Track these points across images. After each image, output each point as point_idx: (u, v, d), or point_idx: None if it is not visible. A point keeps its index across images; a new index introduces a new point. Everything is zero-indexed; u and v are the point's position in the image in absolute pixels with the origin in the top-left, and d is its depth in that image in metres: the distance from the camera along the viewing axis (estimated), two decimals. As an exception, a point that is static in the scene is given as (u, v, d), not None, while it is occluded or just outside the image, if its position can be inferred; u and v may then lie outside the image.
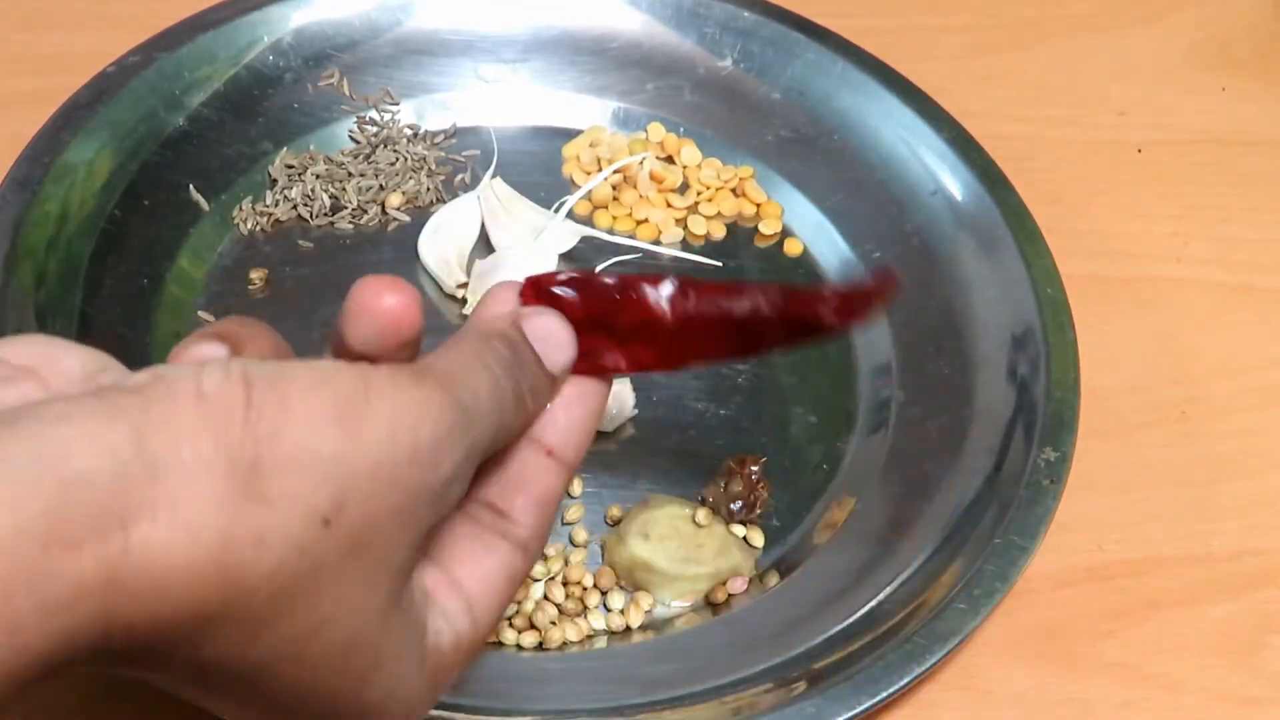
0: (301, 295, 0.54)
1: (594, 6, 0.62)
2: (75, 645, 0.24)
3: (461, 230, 0.57)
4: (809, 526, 0.50)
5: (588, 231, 0.57)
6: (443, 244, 0.56)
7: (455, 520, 0.32)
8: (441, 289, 0.55)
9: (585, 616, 0.47)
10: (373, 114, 0.60)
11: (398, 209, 0.58)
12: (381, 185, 0.58)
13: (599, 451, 0.51)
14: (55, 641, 0.24)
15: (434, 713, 0.41)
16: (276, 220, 0.56)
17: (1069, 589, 0.50)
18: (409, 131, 0.60)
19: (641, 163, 0.60)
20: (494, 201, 0.57)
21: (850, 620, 0.45)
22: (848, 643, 0.44)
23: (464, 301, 0.55)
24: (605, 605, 0.47)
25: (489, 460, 0.32)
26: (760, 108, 0.61)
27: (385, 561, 0.28)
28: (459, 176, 0.59)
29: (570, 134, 0.61)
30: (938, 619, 0.43)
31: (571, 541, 0.49)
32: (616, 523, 0.49)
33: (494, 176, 0.58)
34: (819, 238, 0.58)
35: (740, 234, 0.59)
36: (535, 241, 0.56)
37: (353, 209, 0.57)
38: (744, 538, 0.49)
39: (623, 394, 0.52)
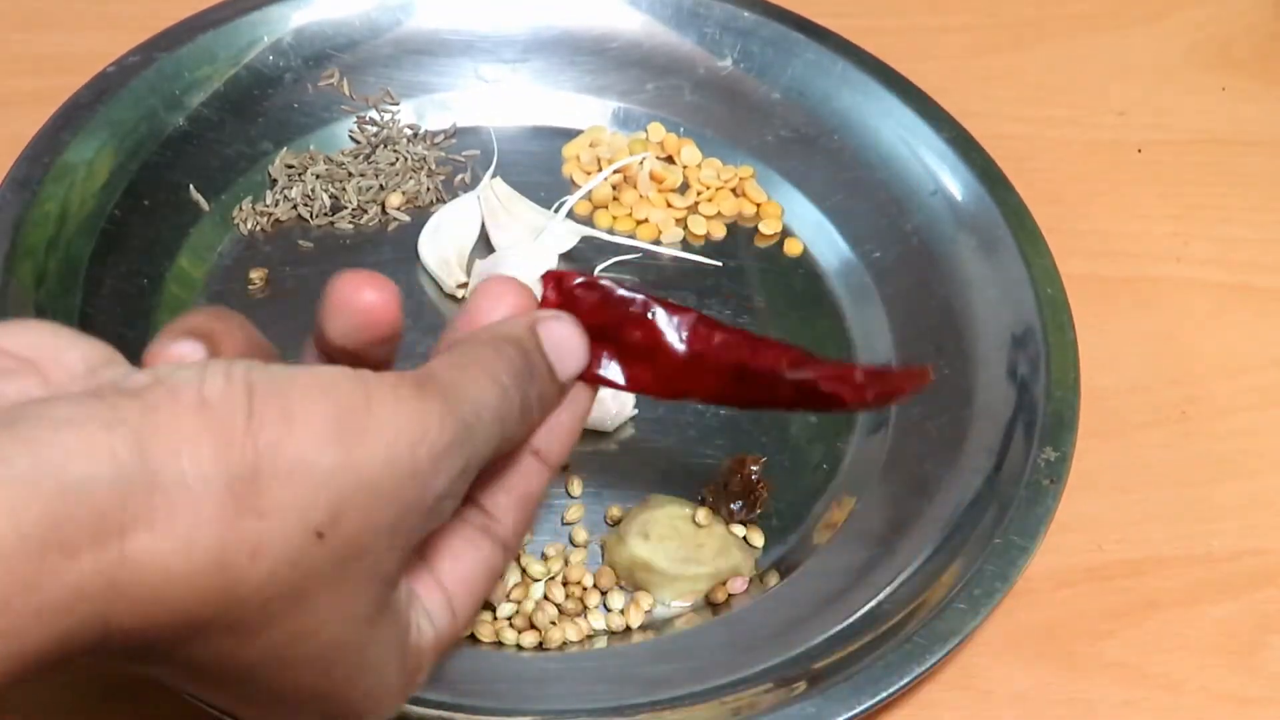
0: (301, 295, 0.54)
1: (594, 6, 0.62)
2: (71, 646, 0.24)
3: (461, 230, 0.57)
4: (809, 526, 0.50)
5: (588, 231, 0.57)
6: (443, 244, 0.56)
7: None
8: (441, 289, 0.55)
9: (585, 616, 0.47)
10: (373, 114, 0.60)
11: (398, 209, 0.58)
12: (381, 185, 0.58)
13: (599, 451, 0.51)
14: (51, 643, 0.24)
15: (434, 713, 0.41)
16: (276, 220, 0.56)
17: (1069, 589, 0.50)
18: (409, 131, 0.60)
19: (641, 163, 0.60)
20: (494, 201, 0.57)
21: (850, 620, 0.45)
22: (848, 643, 0.44)
23: (464, 301, 0.55)
24: (605, 605, 0.47)
25: None
26: (760, 108, 0.61)
27: (374, 571, 0.28)
28: (459, 176, 0.59)
29: (570, 134, 0.61)
30: (938, 619, 0.43)
31: (571, 541, 0.49)
32: (616, 523, 0.49)
33: (494, 176, 0.58)
34: (819, 238, 0.58)
35: (740, 234, 0.59)
36: (535, 241, 0.56)
37: (353, 209, 0.57)
38: (744, 538, 0.49)
39: (623, 394, 0.52)
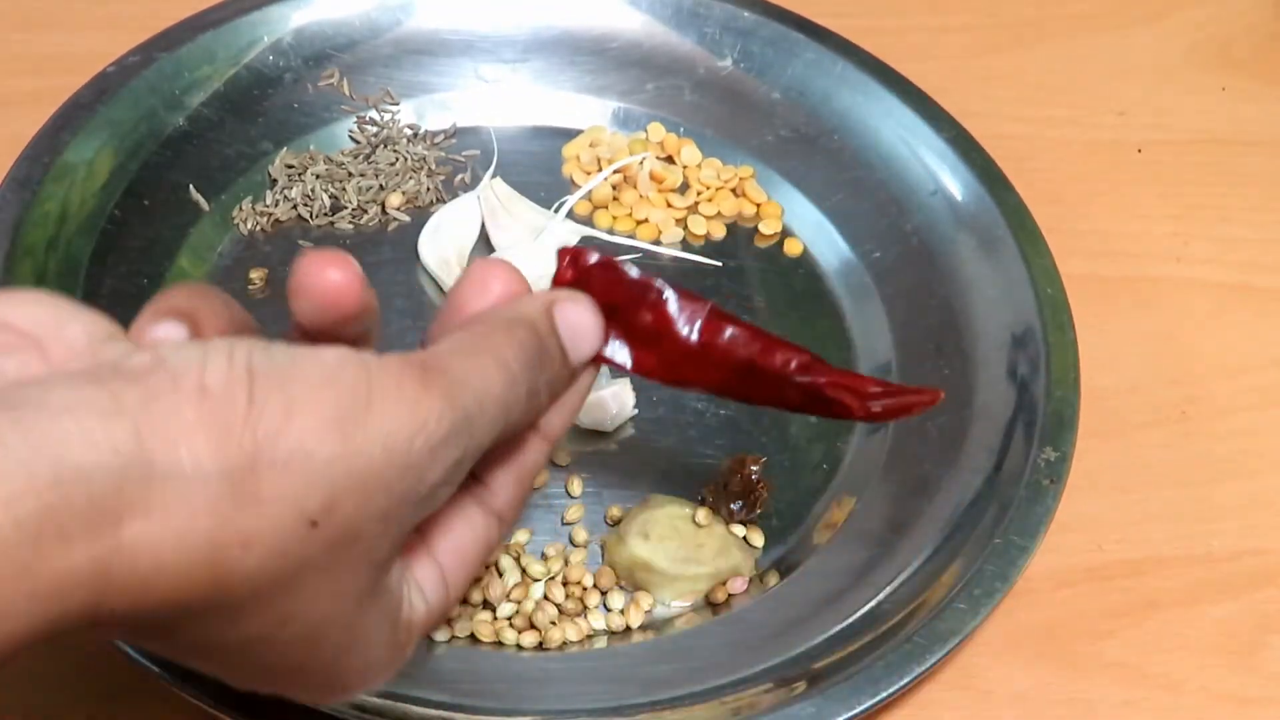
0: (301, 295, 0.54)
1: (594, 6, 0.62)
2: (62, 627, 0.25)
3: (461, 230, 0.57)
4: (809, 526, 0.50)
5: (588, 231, 0.57)
6: (443, 244, 0.56)
7: None
8: (441, 289, 0.55)
9: (585, 616, 0.47)
10: (373, 114, 0.60)
11: (398, 209, 0.58)
12: (381, 185, 0.58)
13: (599, 451, 0.51)
14: (41, 625, 0.24)
15: (434, 713, 0.41)
16: (276, 220, 0.56)
17: (1069, 589, 0.50)
18: (409, 131, 0.60)
19: (641, 163, 0.60)
20: (494, 201, 0.57)
21: (850, 620, 0.45)
22: (848, 643, 0.44)
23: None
24: (605, 605, 0.47)
25: None
26: (760, 108, 0.61)
27: (367, 557, 0.28)
28: (459, 176, 0.59)
29: (570, 134, 0.61)
30: (938, 619, 0.43)
31: (571, 541, 0.49)
32: (616, 523, 0.49)
33: (494, 176, 0.58)
34: (819, 238, 0.58)
35: (740, 234, 0.59)
36: (535, 241, 0.56)
37: (353, 209, 0.57)
38: (744, 538, 0.49)
39: (623, 394, 0.52)
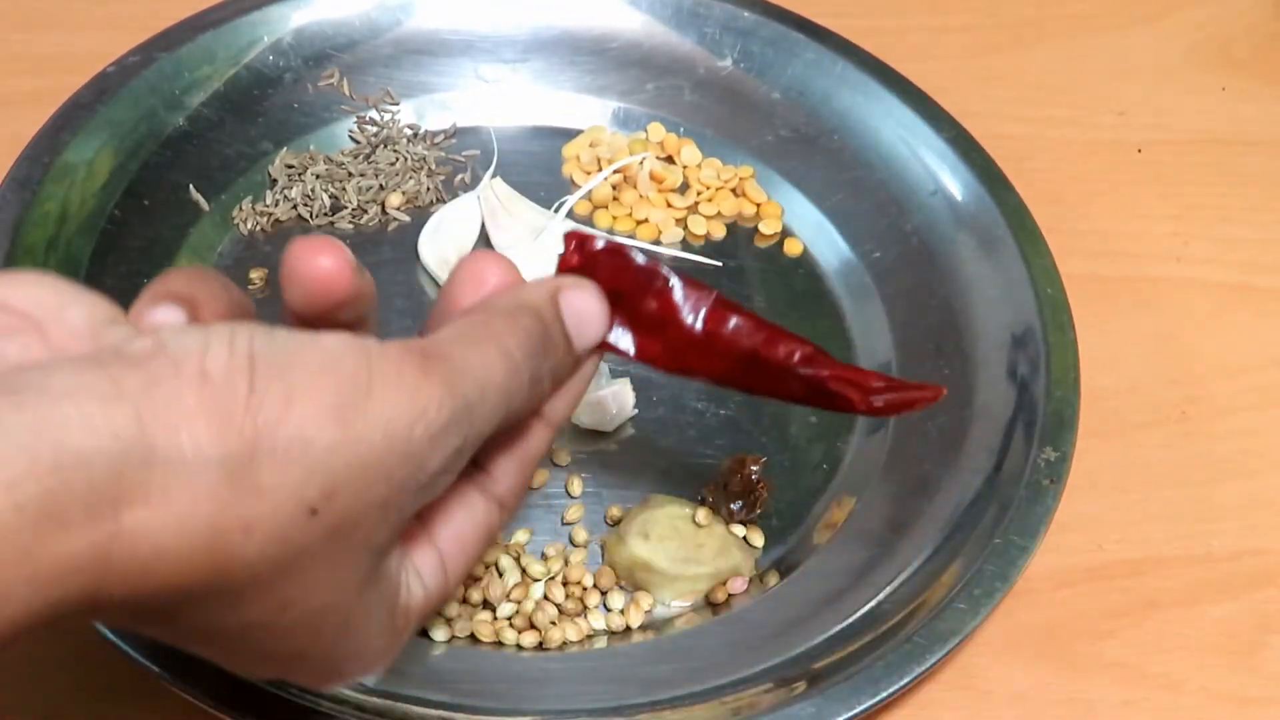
0: (301, 295, 0.54)
1: (594, 6, 0.62)
2: (61, 611, 0.25)
3: (461, 230, 0.57)
4: (809, 526, 0.50)
5: (588, 232, 0.57)
6: (443, 244, 0.56)
7: None
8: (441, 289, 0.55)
9: (585, 616, 0.47)
10: (373, 114, 0.60)
11: (398, 209, 0.58)
12: (381, 185, 0.58)
13: (599, 451, 0.51)
14: (41, 610, 0.24)
15: (434, 713, 0.41)
16: (276, 220, 0.56)
17: (1069, 589, 0.50)
18: (409, 131, 0.60)
19: (641, 163, 0.60)
20: (494, 201, 0.57)
21: (850, 620, 0.45)
22: (848, 643, 0.44)
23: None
24: (605, 605, 0.47)
25: None
26: (760, 108, 0.61)
27: (366, 544, 0.29)
28: (459, 176, 0.59)
29: (570, 134, 0.61)
30: (938, 619, 0.43)
31: (571, 541, 0.49)
32: (616, 523, 0.49)
33: (494, 176, 0.58)
34: (819, 238, 0.58)
35: (740, 234, 0.59)
36: (535, 241, 0.56)
37: (353, 209, 0.57)
38: (744, 538, 0.49)
39: (623, 394, 0.52)
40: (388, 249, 0.57)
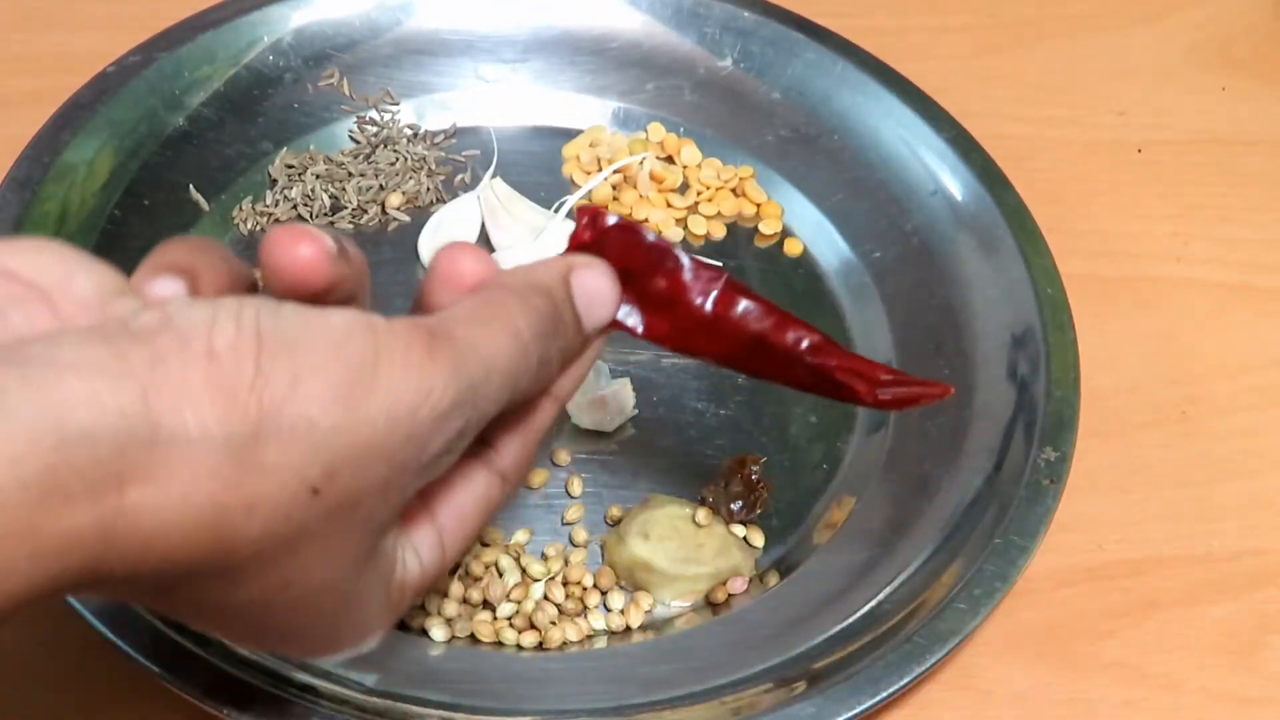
0: (301, 295, 0.54)
1: (594, 6, 0.62)
2: (61, 586, 0.25)
3: (461, 230, 0.57)
4: (809, 526, 0.50)
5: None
6: (442, 244, 0.56)
7: None
8: (441, 289, 0.55)
9: (585, 616, 0.47)
10: (373, 114, 0.60)
11: (398, 209, 0.58)
12: (381, 185, 0.58)
13: (599, 451, 0.51)
14: (42, 585, 0.24)
15: (434, 713, 0.41)
16: (276, 220, 0.56)
17: (1069, 589, 0.50)
18: (409, 131, 0.60)
19: (641, 163, 0.60)
20: (494, 201, 0.57)
21: (850, 620, 0.45)
22: (848, 643, 0.44)
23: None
24: (605, 605, 0.47)
25: None
26: (760, 108, 0.61)
27: (366, 524, 0.29)
28: (459, 176, 0.59)
29: (570, 134, 0.61)
30: (938, 619, 0.43)
31: (571, 541, 0.49)
32: (616, 523, 0.49)
33: (494, 176, 0.58)
34: (819, 238, 0.58)
35: (740, 234, 0.59)
36: (535, 241, 0.56)
37: (353, 209, 0.57)
38: (744, 538, 0.49)
39: (623, 394, 0.52)
40: (388, 249, 0.57)
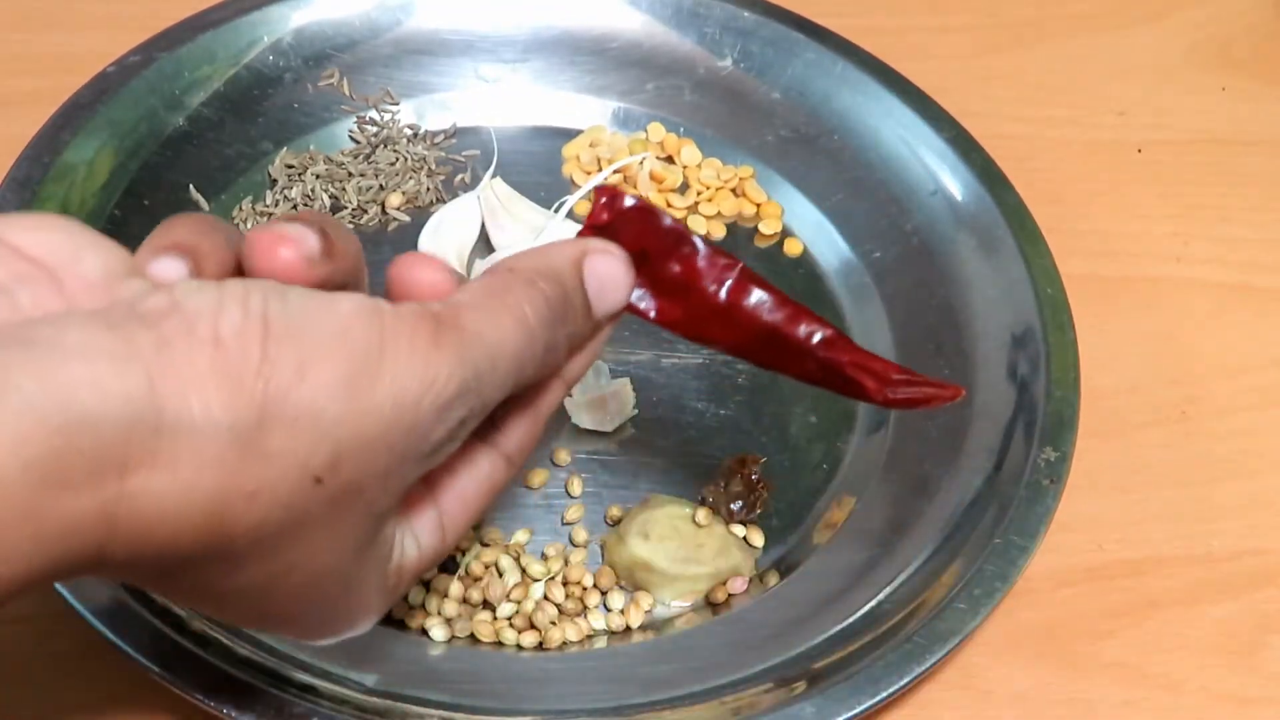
0: (301, 295, 0.54)
1: (594, 6, 0.62)
2: (62, 570, 0.25)
3: (461, 230, 0.57)
4: (809, 526, 0.50)
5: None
6: (443, 244, 0.56)
7: None
8: (441, 289, 0.55)
9: (585, 616, 0.47)
10: (373, 114, 0.60)
11: (398, 209, 0.58)
12: (381, 185, 0.58)
13: (599, 451, 0.51)
14: (43, 568, 0.24)
15: (434, 713, 0.41)
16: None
17: (1069, 589, 0.50)
18: (409, 131, 0.60)
19: (641, 163, 0.60)
20: (494, 201, 0.57)
21: (850, 620, 0.45)
22: (848, 643, 0.44)
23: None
24: (605, 605, 0.47)
25: None
26: (760, 108, 0.61)
27: (367, 511, 0.29)
28: (459, 176, 0.59)
29: (570, 134, 0.61)
30: (938, 619, 0.43)
31: (571, 541, 0.49)
32: (616, 523, 0.49)
33: (494, 176, 0.58)
34: (819, 238, 0.58)
35: (740, 234, 0.59)
36: (535, 241, 0.56)
37: (353, 209, 0.57)
38: (744, 538, 0.49)
39: (623, 394, 0.52)
40: (388, 249, 0.57)
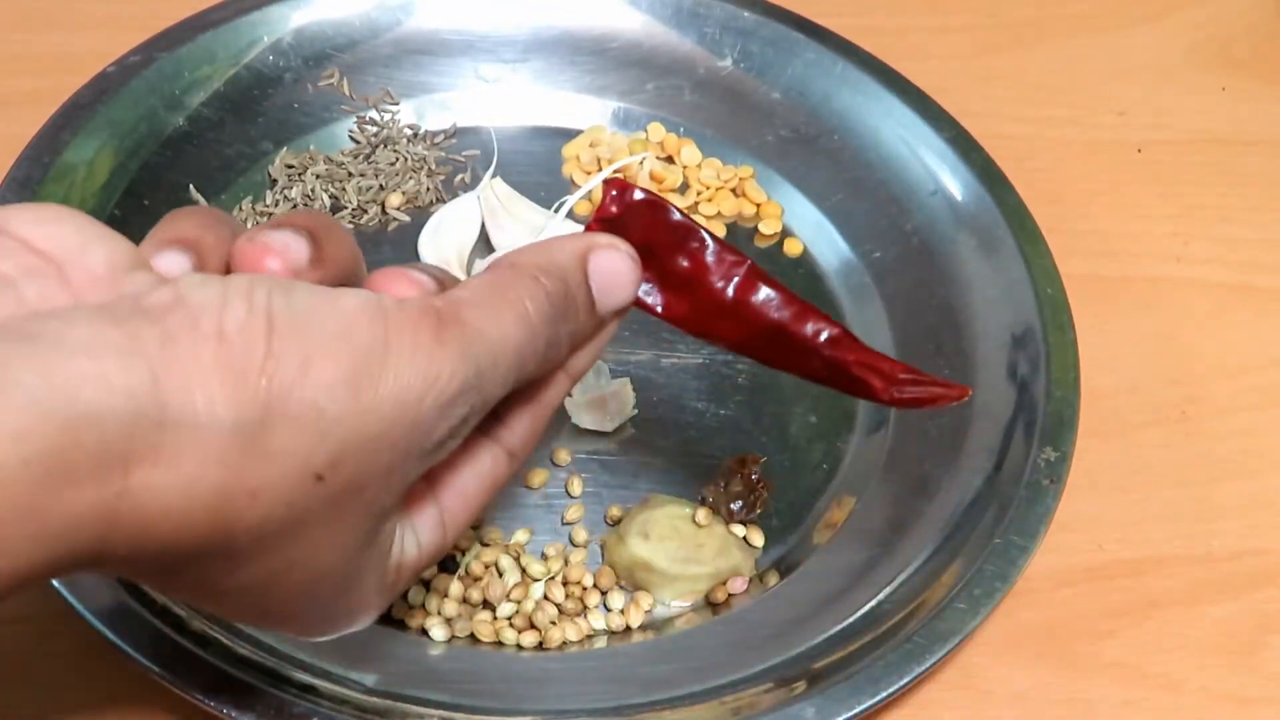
0: (301, 295, 0.54)
1: (594, 6, 0.62)
2: (63, 566, 0.25)
3: (461, 230, 0.57)
4: (809, 526, 0.50)
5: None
6: (443, 244, 0.56)
7: None
8: (441, 289, 0.55)
9: (585, 616, 0.47)
10: (373, 114, 0.60)
11: (398, 209, 0.58)
12: (381, 185, 0.58)
13: (599, 451, 0.51)
14: (43, 564, 0.24)
15: (434, 713, 0.41)
16: (276, 220, 0.56)
17: (1069, 589, 0.50)
18: (409, 131, 0.60)
19: (641, 163, 0.60)
20: (494, 201, 0.57)
21: (850, 620, 0.45)
22: (848, 643, 0.44)
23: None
24: (605, 605, 0.47)
25: None
26: (760, 108, 0.61)
27: (369, 509, 0.29)
28: (459, 176, 0.59)
29: (570, 134, 0.61)
30: (938, 619, 0.43)
31: (571, 541, 0.49)
32: (616, 523, 0.49)
33: (494, 176, 0.58)
34: (819, 238, 0.58)
35: (740, 234, 0.59)
36: (535, 241, 0.56)
37: (353, 209, 0.57)
38: (744, 538, 0.49)
39: (623, 394, 0.52)
40: (388, 249, 0.57)
